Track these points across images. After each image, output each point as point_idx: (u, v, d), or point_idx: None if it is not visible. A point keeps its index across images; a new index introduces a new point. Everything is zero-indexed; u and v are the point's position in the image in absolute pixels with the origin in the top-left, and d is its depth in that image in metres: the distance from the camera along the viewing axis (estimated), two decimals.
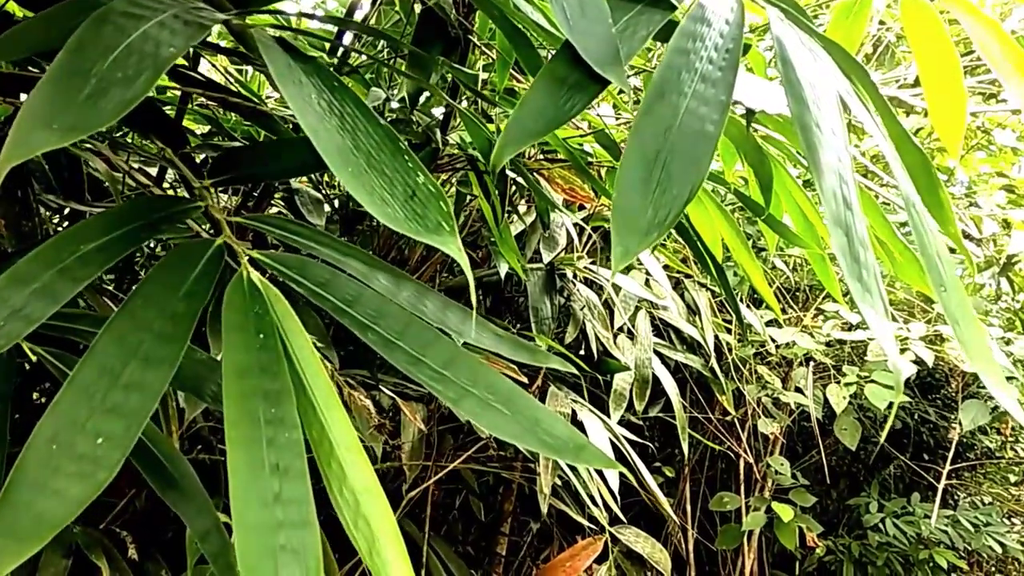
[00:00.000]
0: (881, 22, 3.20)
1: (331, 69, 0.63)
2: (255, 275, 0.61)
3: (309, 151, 0.54)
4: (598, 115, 1.71)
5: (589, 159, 1.68)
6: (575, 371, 1.99)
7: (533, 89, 0.66)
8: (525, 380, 1.56)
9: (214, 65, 1.92)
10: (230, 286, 0.59)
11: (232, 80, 1.95)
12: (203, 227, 0.78)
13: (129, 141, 1.57)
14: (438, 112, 1.77)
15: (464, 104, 1.65)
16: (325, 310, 0.60)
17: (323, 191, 2.01)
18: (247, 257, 0.62)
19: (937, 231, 0.66)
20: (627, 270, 2.41)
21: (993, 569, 3.73)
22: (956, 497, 3.57)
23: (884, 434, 2.82)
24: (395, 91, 1.79)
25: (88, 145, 1.21)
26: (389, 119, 1.68)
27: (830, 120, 0.62)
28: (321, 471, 0.56)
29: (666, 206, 0.58)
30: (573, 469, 1.92)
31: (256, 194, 1.53)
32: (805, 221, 1.53)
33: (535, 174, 1.79)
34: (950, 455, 3.12)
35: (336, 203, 2.12)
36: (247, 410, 0.52)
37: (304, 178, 2.01)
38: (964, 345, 0.59)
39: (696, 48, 0.66)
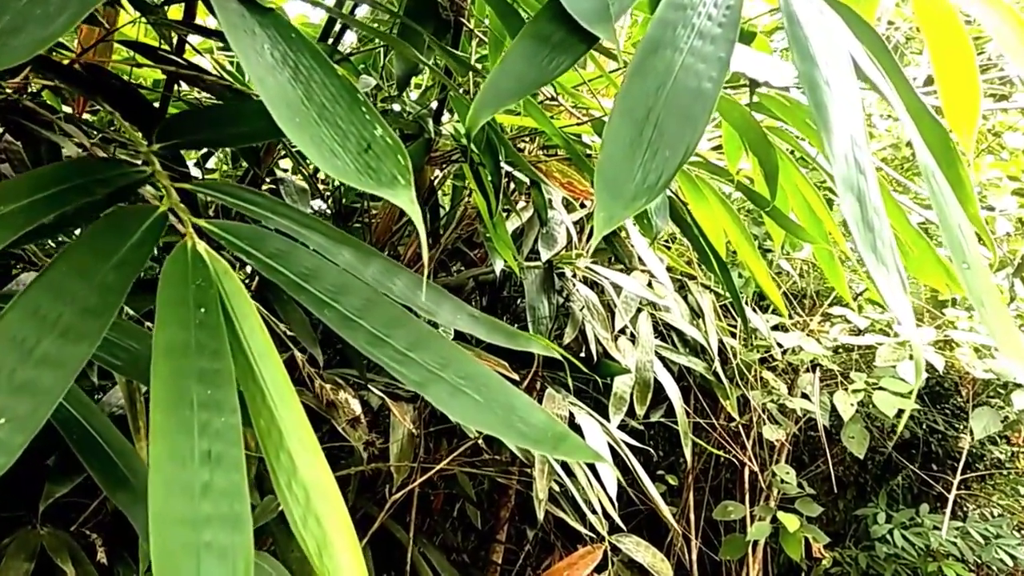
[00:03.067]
0: (890, 22, 3.14)
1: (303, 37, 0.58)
2: (201, 245, 0.55)
3: (267, 115, 0.48)
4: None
5: (588, 151, 1.62)
6: (569, 368, 1.93)
7: (513, 48, 0.60)
8: (516, 378, 1.50)
9: (199, 52, 1.86)
10: (170, 256, 0.53)
11: (223, 71, 1.90)
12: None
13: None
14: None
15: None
16: (279, 284, 0.54)
17: (316, 186, 1.95)
18: (192, 225, 0.56)
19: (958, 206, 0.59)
20: (628, 271, 2.34)
21: None
22: (965, 508, 3.49)
23: (896, 437, 2.75)
24: (388, 81, 1.74)
25: (76, 140, 1.16)
26: (380, 109, 1.63)
27: (840, 79, 0.56)
28: (268, 463, 0.50)
29: (656, 169, 0.51)
30: (570, 474, 1.85)
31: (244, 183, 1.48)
32: (813, 217, 1.47)
33: (532, 168, 1.73)
34: (960, 465, 3.05)
35: (330, 200, 2.06)
36: (178, 392, 0.46)
37: (293, 169, 1.96)
38: (989, 327, 0.53)
39: (693, 3, 0.60)
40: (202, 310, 0.51)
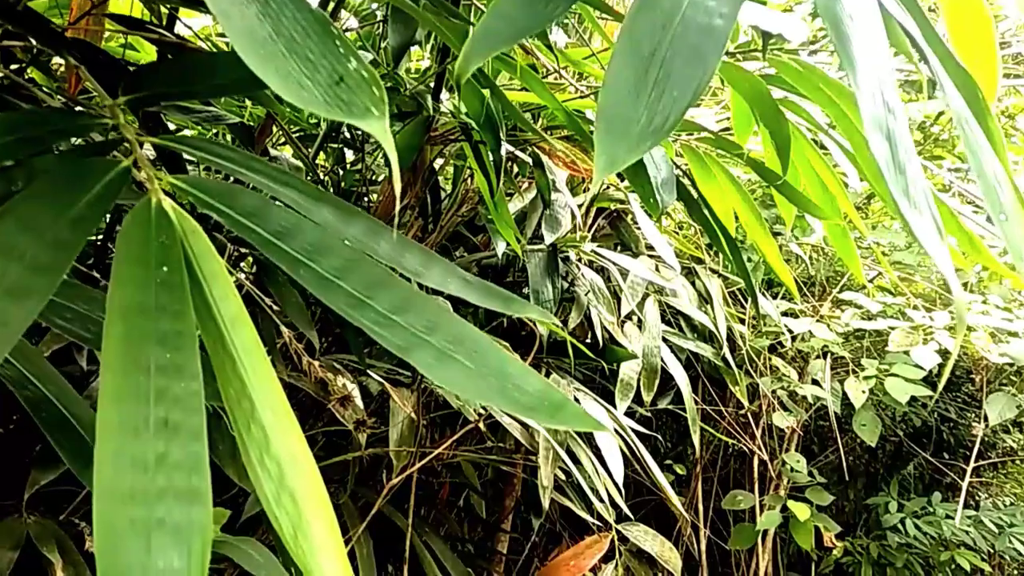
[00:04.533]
0: None
1: None
2: (167, 202, 0.51)
3: (244, 65, 0.43)
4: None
5: (592, 129, 1.57)
6: (575, 354, 1.88)
7: None
8: (517, 358, 1.45)
9: (201, 39, 1.82)
10: (132, 211, 0.49)
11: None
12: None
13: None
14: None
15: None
16: (252, 243, 0.49)
17: (315, 168, 1.91)
18: (158, 181, 0.51)
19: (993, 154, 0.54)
20: (635, 256, 2.29)
21: (1016, 572, 3.59)
22: (977, 497, 3.44)
23: (908, 426, 2.70)
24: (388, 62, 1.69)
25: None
26: None
27: (864, 13, 0.51)
28: (237, 437, 0.46)
29: (663, 111, 0.47)
30: (576, 462, 1.81)
31: None
32: (826, 193, 1.41)
33: (535, 147, 1.68)
34: (974, 453, 2.99)
35: (328, 182, 2.02)
36: (133, 355, 0.42)
37: (295, 154, 1.92)
38: None
39: None
40: (164, 269, 0.46)
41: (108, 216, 1.38)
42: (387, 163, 1.60)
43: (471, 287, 0.57)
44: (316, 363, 0.87)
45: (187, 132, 1.95)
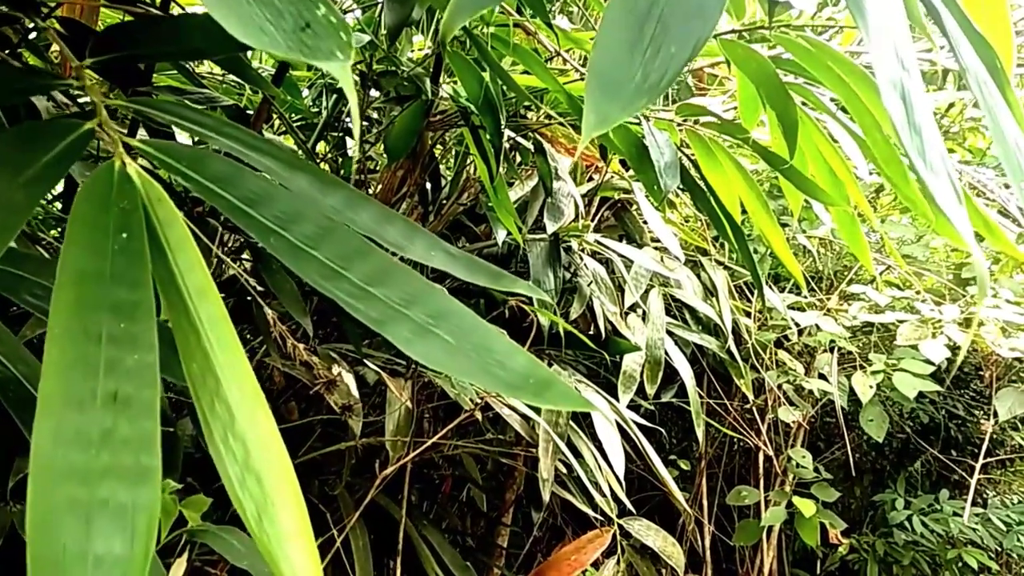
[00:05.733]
0: None
1: None
2: (133, 167, 0.47)
3: (219, 26, 0.40)
4: None
5: None
6: (577, 346, 1.85)
7: None
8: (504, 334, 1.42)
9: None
10: (93, 174, 0.45)
11: None
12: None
13: None
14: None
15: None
16: (219, 210, 0.46)
17: (313, 155, 1.88)
18: (124, 145, 0.48)
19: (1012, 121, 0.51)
20: (640, 246, 2.26)
21: None
22: (985, 495, 3.39)
23: (915, 422, 2.66)
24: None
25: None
26: (376, 71, 1.55)
27: None
28: (199, 414, 0.43)
29: (660, 68, 0.43)
30: (577, 455, 1.77)
31: None
32: (834, 179, 1.38)
33: (536, 133, 1.65)
34: (983, 450, 2.95)
35: (328, 170, 1.99)
36: (83, 324, 0.39)
37: (297, 144, 1.89)
38: None
39: None
40: (123, 235, 0.43)
41: None
42: (387, 151, 1.57)
43: (456, 260, 0.54)
44: (300, 346, 0.84)
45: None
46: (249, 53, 1.86)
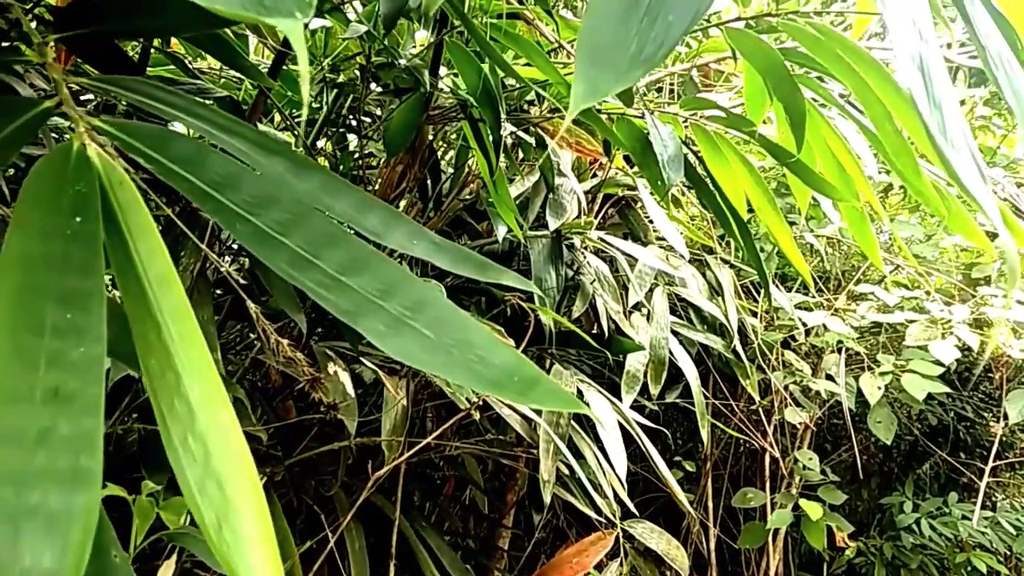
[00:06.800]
0: None
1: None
2: (93, 148, 0.44)
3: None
4: None
5: (598, 106, 1.50)
6: (579, 345, 1.81)
7: None
8: (512, 343, 1.39)
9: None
10: (48, 155, 0.42)
11: None
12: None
13: None
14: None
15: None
16: (183, 194, 0.43)
17: (311, 151, 1.85)
18: (84, 125, 0.45)
19: None
20: (644, 244, 2.23)
21: None
22: (994, 498, 3.35)
23: (923, 425, 2.61)
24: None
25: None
26: (375, 63, 1.52)
27: None
28: (157, 412, 0.39)
29: (657, 38, 0.40)
30: (579, 456, 1.74)
31: None
32: (842, 174, 1.34)
33: (538, 128, 1.61)
34: (992, 452, 2.91)
35: (327, 166, 1.96)
36: (26, 313, 0.35)
37: (297, 142, 1.86)
38: None
39: None
40: (77, 219, 0.40)
41: None
42: (385, 145, 1.54)
43: (441, 250, 0.50)
44: (284, 342, 0.82)
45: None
46: (250, 51, 1.83)
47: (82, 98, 1.42)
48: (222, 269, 0.96)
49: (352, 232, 0.48)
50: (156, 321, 0.41)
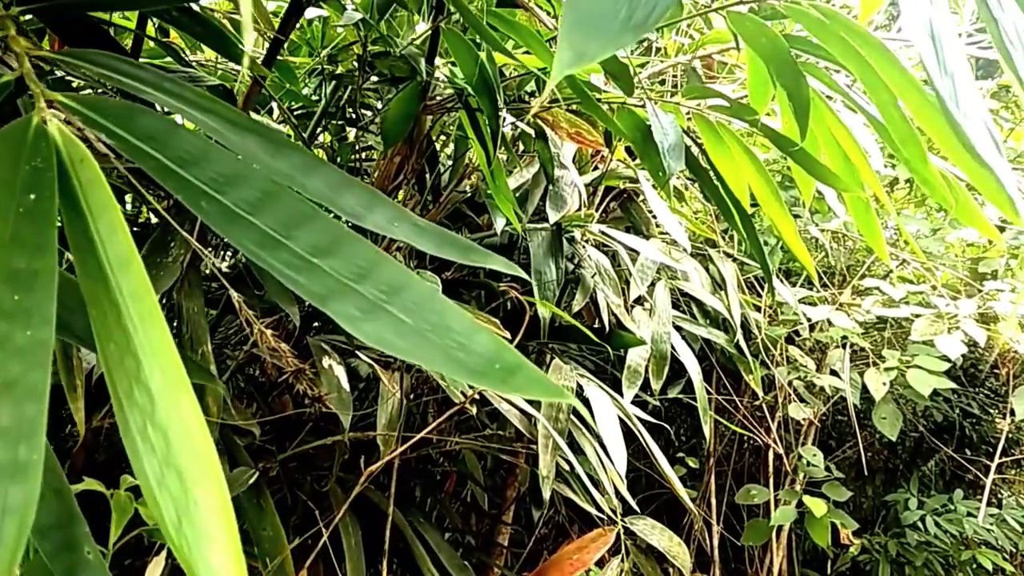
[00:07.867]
0: None
1: None
2: (54, 124, 0.42)
3: None
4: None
5: (598, 96, 1.48)
6: (580, 340, 1.79)
7: None
8: (507, 335, 1.36)
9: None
10: (4, 130, 0.40)
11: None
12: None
13: None
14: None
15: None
16: (147, 171, 0.41)
17: (311, 146, 1.82)
18: (47, 101, 0.43)
19: None
20: (647, 237, 2.20)
21: None
22: (1000, 495, 3.32)
23: (929, 421, 2.59)
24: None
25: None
26: (371, 52, 1.49)
27: None
28: (114, 401, 0.37)
29: (648, 3, 0.37)
30: (579, 452, 1.72)
31: None
32: (847, 164, 1.31)
33: (537, 118, 1.59)
34: (998, 449, 2.88)
35: (324, 158, 1.93)
36: None
37: (295, 136, 1.84)
38: None
39: None
40: (31, 197, 0.38)
41: None
42: (382, 136, 1.51)
43: (424, 233, 0.48)
44: (268, 332, 0.79)
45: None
46: (248, 45, 1.81)
47: (74, 85, 1.40)
48: (207, 260, 0.94)
49: (331, 215, 0.45)
50: (115, 303, 0.39)
